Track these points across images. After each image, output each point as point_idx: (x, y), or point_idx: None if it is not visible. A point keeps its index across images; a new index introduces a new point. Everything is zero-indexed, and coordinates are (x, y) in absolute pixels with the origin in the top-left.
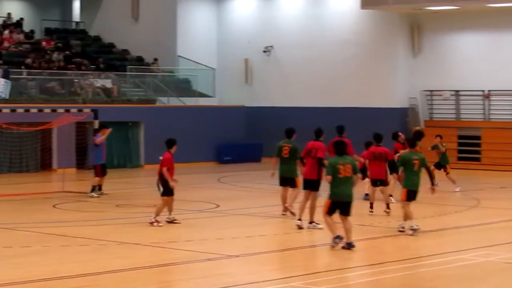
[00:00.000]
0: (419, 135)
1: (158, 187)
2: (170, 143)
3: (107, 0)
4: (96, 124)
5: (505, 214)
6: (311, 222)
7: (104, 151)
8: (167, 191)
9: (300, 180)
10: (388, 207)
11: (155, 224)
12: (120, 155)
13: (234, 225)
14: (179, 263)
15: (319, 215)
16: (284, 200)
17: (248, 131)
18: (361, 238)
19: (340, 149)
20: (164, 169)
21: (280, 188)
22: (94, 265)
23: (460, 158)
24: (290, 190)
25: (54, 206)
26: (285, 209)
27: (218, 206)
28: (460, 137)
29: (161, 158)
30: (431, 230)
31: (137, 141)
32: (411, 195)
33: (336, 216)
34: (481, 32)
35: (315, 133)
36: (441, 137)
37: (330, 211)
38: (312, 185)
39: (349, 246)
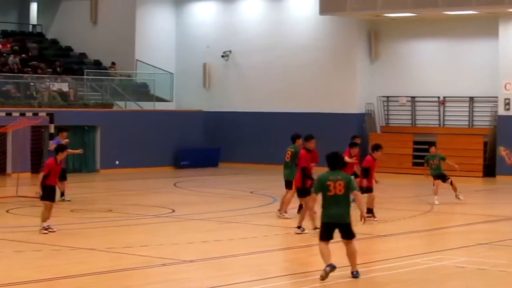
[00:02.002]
0: None
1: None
2: (59, 149)
3: (65, 3)
4: (52, 128)
5: (459, 219)
6: (298, 227)
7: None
8: (46, 196)
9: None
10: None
11: (44, 231)
12: (76, 159)
13: (189, 230)
14: (135, 269)
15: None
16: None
17: (206, 136)
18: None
19: (332, 162)
20: (41, 174)
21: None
22: (49, 270)
23: (415, 164)
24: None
25: (7, 211)
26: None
27: (173, 211)
28: (416, 142)
29: (117, 162)
30: (385, 234)
31: (94, 146)
32: None
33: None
34: (438, 39)
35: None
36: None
37: (321, 236)
38: (299, 193)
39: (353, 275)
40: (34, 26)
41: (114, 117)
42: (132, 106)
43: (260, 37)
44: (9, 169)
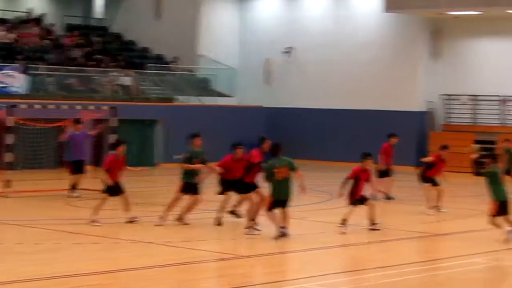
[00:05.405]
0: None
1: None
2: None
3: None
4: (115, 122)
5: None
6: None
7: (75, 148)
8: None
9: None
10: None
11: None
12: (137, 153)
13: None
14: (192, 262)
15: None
16: None
17: (267, 132)
18: (378, 240)
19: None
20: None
21: None
22: (108, 263)
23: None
24: None
25: (67, 204)
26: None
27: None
28: (477, 141)
29: (179, 157)
30: (446, 233)
31: (155, 140)
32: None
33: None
34: (501, 38)
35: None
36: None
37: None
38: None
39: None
40: (98, 20)
41: (175, 112)
42: (193, 101)
43: (323, 33)
44: None
